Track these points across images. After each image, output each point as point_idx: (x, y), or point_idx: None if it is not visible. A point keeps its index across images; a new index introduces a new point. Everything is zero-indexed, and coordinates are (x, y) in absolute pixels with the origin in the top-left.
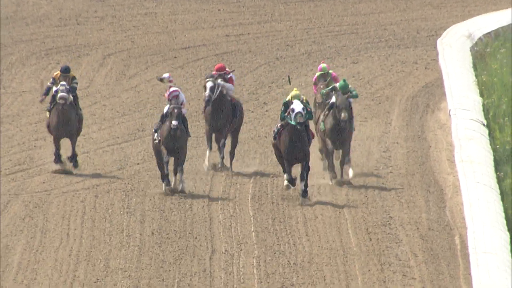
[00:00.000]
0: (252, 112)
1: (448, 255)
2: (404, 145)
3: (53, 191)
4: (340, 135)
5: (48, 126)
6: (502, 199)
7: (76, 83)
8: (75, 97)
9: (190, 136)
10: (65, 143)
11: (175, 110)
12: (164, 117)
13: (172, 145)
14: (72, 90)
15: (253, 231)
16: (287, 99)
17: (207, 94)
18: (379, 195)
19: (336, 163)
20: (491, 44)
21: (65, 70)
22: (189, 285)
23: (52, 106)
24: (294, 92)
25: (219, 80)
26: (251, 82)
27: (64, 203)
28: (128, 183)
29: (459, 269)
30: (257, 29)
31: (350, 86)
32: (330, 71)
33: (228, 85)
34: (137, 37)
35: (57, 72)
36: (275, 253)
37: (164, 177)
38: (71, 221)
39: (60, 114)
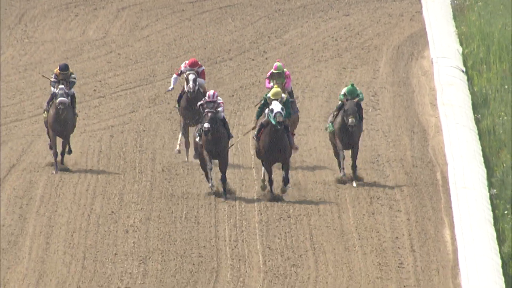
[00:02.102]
0: (253, 60)
1: (430, 189)
2: (390, 90)
3: None
4: (349, 136)
5: (46, 124)
6: (480, 139)
7: (75, 79)
8: (73, 97)
9: (232, 137)
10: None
11: (209, 114)
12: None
13: (213, 149)
14: (71, 85)
15: (253, 167)
16: (267, 95)
17: (191, 86)
18: (368, 135)
19: (348, 168)
20: None
21: (64, 68)
22: (195, 217)
23: (49, 107)
24: (275, 89)
25: (192, 75)
26: (252, 33)
27: (82, 143)
28: (141, 124)
29: (441, 202)
30: None
31: (358, 89)
32: (285, 69)
33: (201, 80)
34: None
35: (57, 69)
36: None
37: (210, 179)
38: (89, 159)
39: (58, 115)
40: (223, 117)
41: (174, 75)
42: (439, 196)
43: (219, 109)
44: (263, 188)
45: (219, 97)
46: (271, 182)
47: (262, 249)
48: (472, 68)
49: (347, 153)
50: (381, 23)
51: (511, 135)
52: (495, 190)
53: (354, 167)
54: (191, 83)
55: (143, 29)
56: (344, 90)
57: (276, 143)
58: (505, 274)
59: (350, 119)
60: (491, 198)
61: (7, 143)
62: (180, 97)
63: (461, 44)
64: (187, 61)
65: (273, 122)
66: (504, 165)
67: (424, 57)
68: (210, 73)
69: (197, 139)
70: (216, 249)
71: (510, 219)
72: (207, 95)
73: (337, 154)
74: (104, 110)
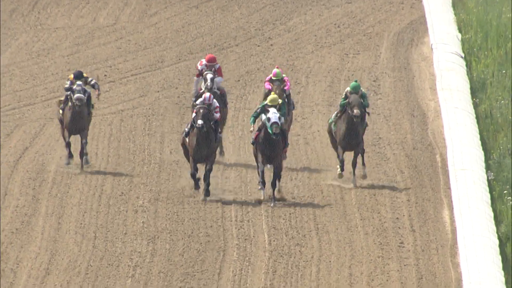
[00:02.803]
0: (258, 46)
1: (430, 171)
2: (391, 75)
3: None
4: (352, 139)
5: (62, 123)
6: (478, 122)
7: (93, 80)
8: (88, 96)
9: (221, 137)
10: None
11: (201, 110)
12: (193, 123)
13: (203, 151)
14: (96, 87)
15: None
16: (265, 103)
17: (209, 84)
18: (369, 119)
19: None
20: None
21: (78, 76)
22: (203, 198)
23: (65, 105)
24: (272, 96)
25: (210, 74)
26: (257, 20)
27: (93, 126)
28: (149, 108)
29: (440, 184)
30: None
31: (361, 89)
32: (284, 75)
33: (218, 78)
34: None
35: (71, 75)
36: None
37: (196, 181)
38: (99, 142)
39: (74, 111)
40: (216, 120)
41: (195, 78)
42: (438, 177)
43: (215, 113)
44: (261, 190)
45: (215, 100)
46: (263, 183)
47: (268, 229)
48: (470, 54)
49: (346, 154)
50: (382, 10)
51: (508, 119)
52: (492, 173)
53: (354, 164)
54: (208, 81)
55: (152, 16)
56: (347, 88)
57: (270, 146)
58: (502, 253)
59: (355, 110)
60: (489, 179)
61: (20, 127)
62: (199, 97)
63: (460, 31)
64: (203, 59)
65: (270, 131)
66: (501, 147)
67: (424, 43)
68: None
69: (186, 138)
70: (223, 229)
71: (507, 200)
72: (202, 97)
73: (336, 148)
74: (114, 94)
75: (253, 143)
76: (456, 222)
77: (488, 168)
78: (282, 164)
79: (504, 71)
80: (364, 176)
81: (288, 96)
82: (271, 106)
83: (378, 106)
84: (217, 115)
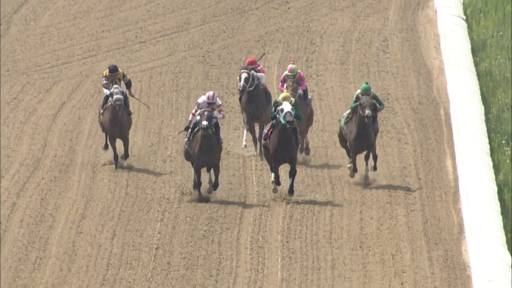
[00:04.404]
0: (277, 9)
1: (434, 124)
2: (399, 36)
3: None
4: (363, 140)
5: (102, 126)
6: (478, 79)
7: (128, 78)
8: (125, 98)
9: (222, 143)
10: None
11: (205, 113)
12: (196, 127)
13: (206, 157)
14: (128, 86)
15: None
16: (277, 100)
17: (241, 84)
18: (379, 76)
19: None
20: None
21: (113, 70)
22: (225, 149)
23: (104, 109)
24: (285, 94)
25: (252, 72)
26: None
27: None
28: (177, 66)
29: (443, 136)
30: None
31: (372, 90)
32: (298, 70)
33: (260, 74)
34: None
35: (106, 71)
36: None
37: (196, 186)
38: (131, 97)
39: (113, 114)
40: (217, 121)
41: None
42: (442, 130)
43: (215, 114)
44: (275, 191)
45: (217, 98)
46: (278, 182)
47: (285, 177)
48: (471, 17)
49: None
50: None
51: (506, 76)
52: (491, 125)
53: (367, 157)
54: (242, 81)
55: None
56: (358, 91)
57: (284, 144)
58: (500, 199)
59: (366, 111)
60: (488, 131)
61: (58, 83)
62: (240, 94)
63: None
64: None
65: (283, 122)
66: (500, 102)
67: (429, 6)
68: (238, 21)
69: (186, 146)
70: (244, 177)
71: (505, 151)
72: (206, 95)
73: (346, 149)
74: (145, 54)
75: (265, 139)
76: (458, 171)
77: (487, 121)
78: (296, 161)
79: (502, 33)
80: (373, 168)
81: (305, 92)
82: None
83: (387, 64)
84: (220, 115)
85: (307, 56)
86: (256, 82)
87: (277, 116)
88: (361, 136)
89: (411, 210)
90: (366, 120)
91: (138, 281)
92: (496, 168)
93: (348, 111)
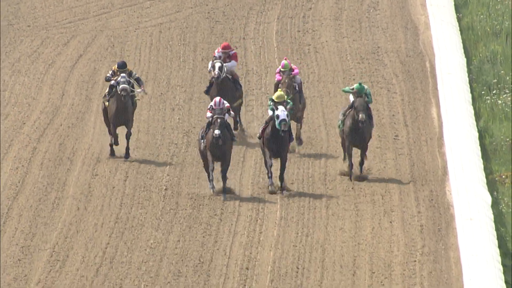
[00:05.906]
0: None
1: (420, 75)
2: None
3: (129, 28)
4: (359, 136)
5: (105, 114)
6: (461, 34)
7: (136, 75)
8: (132, 86)
9: (235, 141)
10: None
11: (218, 120)
12: (209, 125)
13: (217, 152)
14: (140, 84)
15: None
16: (272, 98)
17: (216, 72)
18: (370, 31)
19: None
20: None
21: (122, 66)
22: None
23: (110, 96)
24: (279, 92)
25: (219, 63)
26: None
27: (137, 37)
28: (184, 22)
29: (429, 86)
30: None
31: (366, 88)
32: (292, 65)
33: (230, 63)
34: None
35: (115, 66)
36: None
37: (211, 181)
38: (142, 50)
39: (119, 102)
40: (226, 120)
41: (210, 62)
42: (427, 80)
43: (226, 115)
44: (272, 192)
45: (224, 102)
46: (270, 172)
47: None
48: None
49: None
50: None
51: (486, 30)
52: (473, 76)
53: (361, 163)
54: (216, 70)
55: None
56: (354, 86)
57: (276, 140)
58: (481, 144)
59: (360, 115)
60: (470, 82)
61: (75, 37)
62: (210, 85)
63: None
64: (219, 47)
65: (278, 128)
66: (481, 55)
67: None
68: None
69: (202, 141)
70: (247, 127)
71: (485, 99)
72: (213, 102)
73: (345, 149)
74: (155, 10)
75: (259, 138)
76: (442, 118)
77: (469, 72)
78: (287, 156)
79: None
80: (361, 163)
81: (300, 85)
82: (277, 102)
83: (377, 20)
84: (228, 115)
85: (304, 13)
86: (224, 72)
87: (274, 118)
88: (356, 127)
89: (399, 154)
90: (360, 125)
91: (149, 219)
92: (477, 116)
93: (343, 111)
